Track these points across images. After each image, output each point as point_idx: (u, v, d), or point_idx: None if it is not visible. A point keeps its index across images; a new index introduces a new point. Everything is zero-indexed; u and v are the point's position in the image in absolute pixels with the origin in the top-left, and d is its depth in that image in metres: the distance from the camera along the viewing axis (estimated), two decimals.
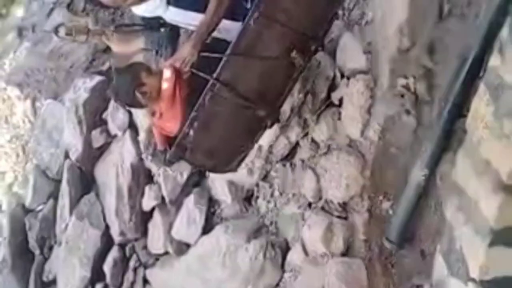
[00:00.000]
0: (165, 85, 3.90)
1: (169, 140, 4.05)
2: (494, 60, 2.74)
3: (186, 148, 3.89)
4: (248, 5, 3.83)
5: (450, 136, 3.57)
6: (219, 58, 3.72)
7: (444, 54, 3.79)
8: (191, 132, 3.81)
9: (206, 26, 3.75)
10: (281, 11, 3.70)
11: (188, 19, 3.95)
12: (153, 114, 4.17)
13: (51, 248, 6.84)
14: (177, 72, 3.86)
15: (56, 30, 4.26)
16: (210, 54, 3.75)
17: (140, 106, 4.19)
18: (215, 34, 3.84)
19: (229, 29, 3.88)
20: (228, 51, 3.69)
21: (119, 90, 4.12)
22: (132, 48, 4.39)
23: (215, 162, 4.22)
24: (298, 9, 3.75)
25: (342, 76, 4.61)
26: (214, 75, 3.69)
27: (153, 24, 4.13)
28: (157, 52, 4.00)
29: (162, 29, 4.09)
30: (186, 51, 3.77)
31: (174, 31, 4.15)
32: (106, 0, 3.77)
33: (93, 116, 6.48)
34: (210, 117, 3.84)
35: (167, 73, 3.89)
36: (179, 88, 3.90)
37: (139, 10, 3.99)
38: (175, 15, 3.96)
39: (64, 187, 6.57)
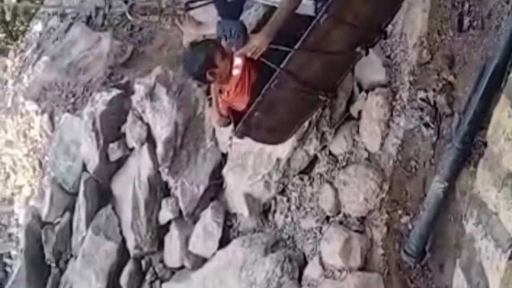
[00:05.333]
0: (235, 71, 4.06)
1: (234, 114, 4.24)
2: None
3: (251, 126, 4.11)
4: None
5: (470, 148, 3.54)
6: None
7: (464, 67, 3.77)
8: (256, 114, 4.02)
9: (281, 17, 3.77)
10: (350, 12, 3.74)
11: None
12: (220, 91, 4.28)
13: (67, 261, 6.83)
14: (248, 61, 3.99)
15: (130, 9, 4.27)
16: (279, 46, 3.81)
17: (206, 83, 4.44)
18: None
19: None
20: (296, 46, 3.76)
21: (191, 65, 4.12)
22: (203, 32, 4.41)
23: (275, 137, 4.43)
24: (365, 8, 3.79)
25: (361, 89, 4.60)
26: (282, 65, 3.80)
27: None
28: (226, 39, 4.00)
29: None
30: (258, 42, 3.81)
31: (240, 5, 4.18)
32: None
33: (111, 129, 6.46)
34: (275, 101, 4.05)
35: (238, 60, 4.04)
36: (248, 75, 4.07)
37: None
38: None
39: (81, 200, 6.56)
